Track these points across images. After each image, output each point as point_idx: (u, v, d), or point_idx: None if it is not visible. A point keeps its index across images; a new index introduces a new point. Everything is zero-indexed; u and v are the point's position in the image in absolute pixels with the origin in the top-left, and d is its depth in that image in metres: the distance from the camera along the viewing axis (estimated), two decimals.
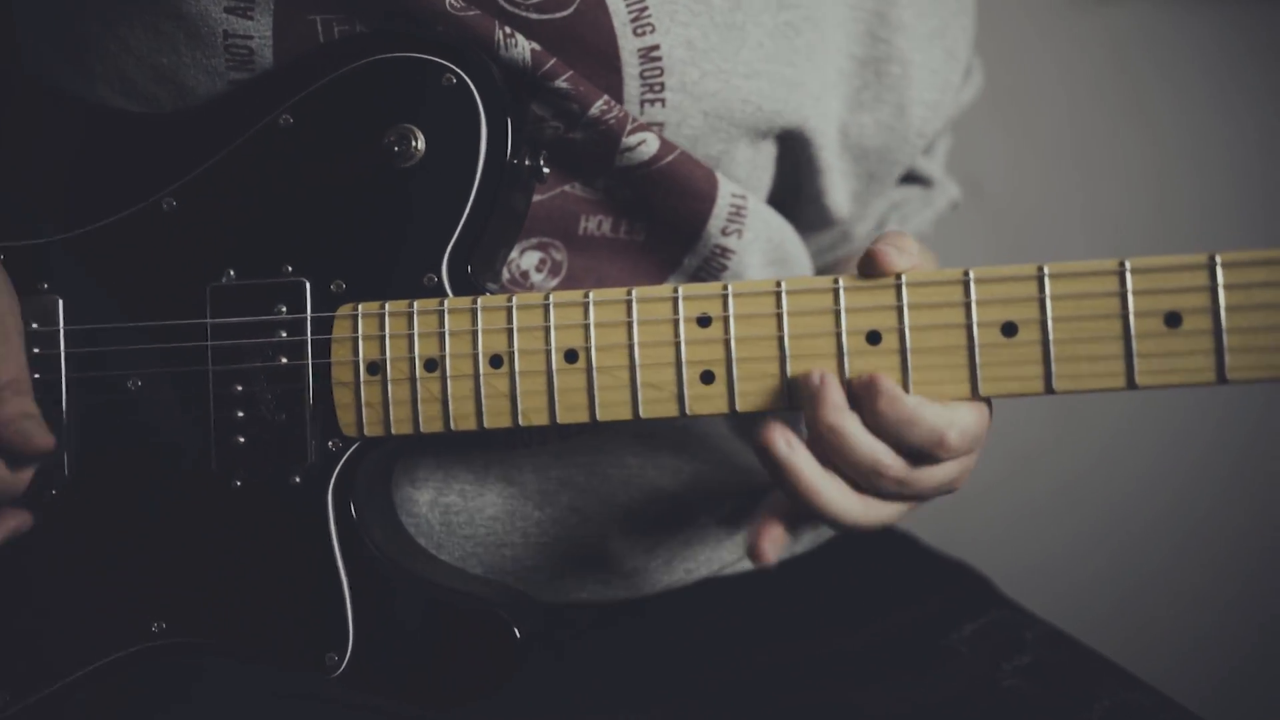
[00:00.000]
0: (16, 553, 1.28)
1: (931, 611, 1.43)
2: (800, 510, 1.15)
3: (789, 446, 1.11)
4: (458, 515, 1.36)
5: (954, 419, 1.12)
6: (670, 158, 1.30)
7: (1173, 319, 1.08)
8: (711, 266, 1.37)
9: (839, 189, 1.45)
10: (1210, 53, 2.38)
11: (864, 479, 1.12)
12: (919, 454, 1.12)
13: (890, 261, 1.13)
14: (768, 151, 1.40)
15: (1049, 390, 1.11)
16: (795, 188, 1.46)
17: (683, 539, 1.42)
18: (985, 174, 2.12)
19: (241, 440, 1.25)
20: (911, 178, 1.63)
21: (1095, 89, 2.42)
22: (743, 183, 1.39)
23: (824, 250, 1.58)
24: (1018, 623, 1.42)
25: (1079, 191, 2.43)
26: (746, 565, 1.48)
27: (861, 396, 1.12)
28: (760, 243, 1.39)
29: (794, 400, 1.14)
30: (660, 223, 1.34)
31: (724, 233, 1.35)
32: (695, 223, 1.34)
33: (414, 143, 1.22)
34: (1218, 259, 1.07)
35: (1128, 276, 1.09)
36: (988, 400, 1.15)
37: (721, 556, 1.45)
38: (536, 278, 1.33)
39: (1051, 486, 2.53)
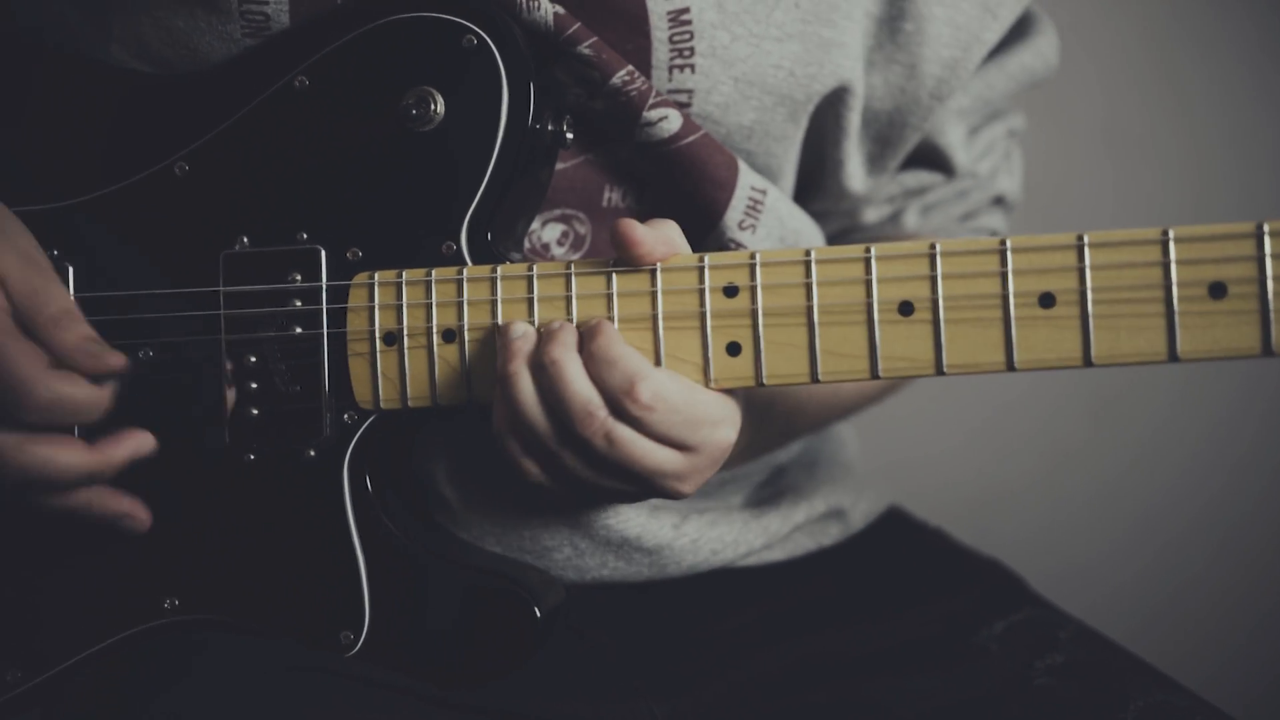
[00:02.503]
0: (26, 529, 1.26)
1: (962, 608, 1.40)
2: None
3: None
4: (476, 492, 1.32)
5: (654, 375, 1.10)
6: (692, 138, 1.26)
7: (1217, 289, 1.04)
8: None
9: (856, 155, 1.41)
10: (1248, 32, 2.34)
11: (577, 422, 1.10)
12: (614, 400, 1.10)
13: (637, 237, 1.11)
14: (804, 124, 1.36)
15: (1087, 363, 1.07)
16: (819, 157, 1.41)
17: (709, 519, 1.39)
18: (1029, 163, 2.09)
19: (255, 412, 1.22)
20: (930, 157, 1.52)
21: (1132, 71, 2.38)
22: (778, 157, 1.35)
23: (835, 237, 1.52)
24: (1050, 621, 1.39)
25: (1115, 177, 2.39)
26: (774, 555, 1.45)
27: (585, 338, 1.12)
28: (772, 240, 1.35)
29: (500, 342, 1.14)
30: (679, 205, 1.30)
31: (740, 226, 1.32)
32: (713, 211, 1.30)
33: (433, 106, 1.19)
34: (1265, 227, 1.03)
35: (1171, 246, 1.05)
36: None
37: (749, 540, 1.41)
38: (558, 251, 1.30)
39: (1088, 485, 2.49)
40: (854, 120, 1.37)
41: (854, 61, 1.33)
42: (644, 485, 1.14)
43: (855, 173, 1.42)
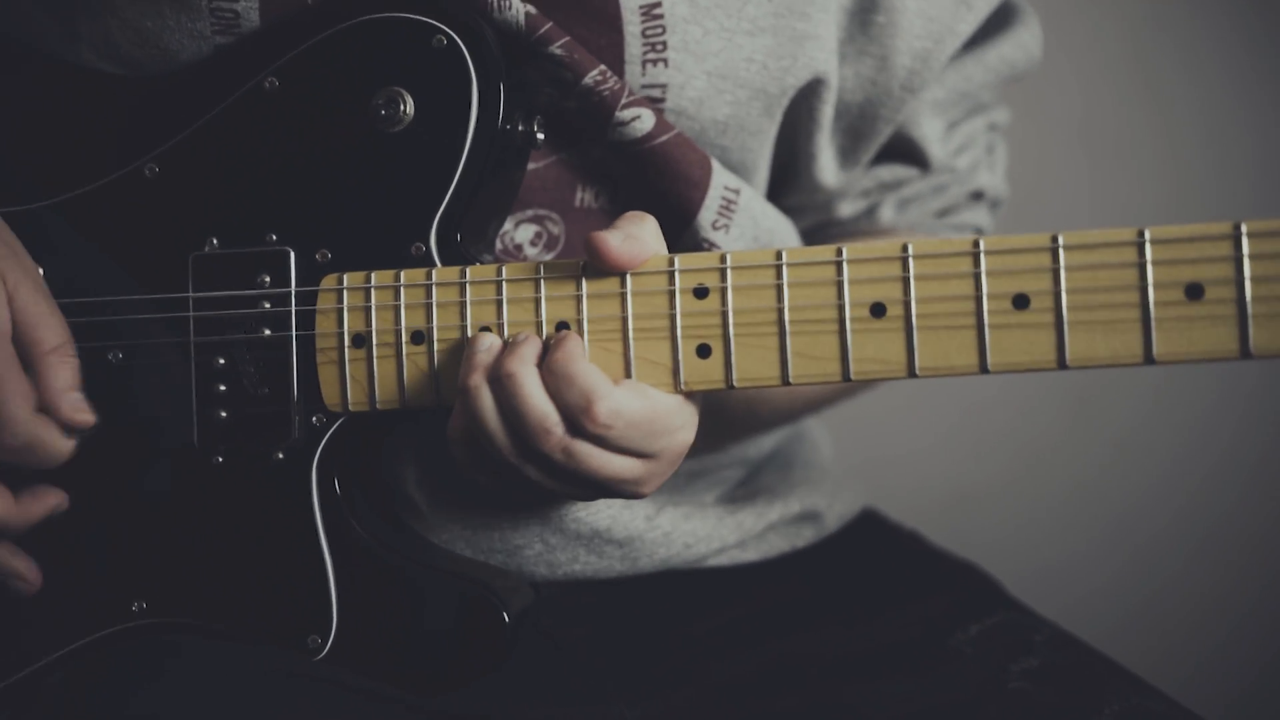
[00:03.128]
0: None
1: (937, 611, 1.39)
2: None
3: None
4: (444, 493, 1.31)
5: (612, 394, 1.09)
6: (665, 138, 1.25)
7: (1194, 290, 1.02)
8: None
9: (829, 148, 1.39)
10: (1225, 33, 2.33)
11: (532, 436, 1.09)
12: (571, 417, 1.09)
13: (610, 248, 1.10)
14: (779, 118, 1.34)
15: (1061, 365, 1.06)
16: (792, 150, 1.40)
17: (683, 512, 1.38)
18: (1009, 162, 2.08)
19: (224, 415, 1.21)
20: (905, 150, 1.49)
21: (1108, 72, 2.37)
22: (754, 152, 1.34)
23: (810, 232, 1.50)
24: (1026, 625, 1.38)
25: (1092, 179, 2.38)
26: (748, 555, 1.44)
27: (547, 351, 1.11)
28: (746, 240, 1.33)
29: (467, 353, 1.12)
30: (653, 205, 1.28)
31: (714, 226, 1.30)
32: (686, 211, 1.29)
33: (403, 106, 1.17)
34: (1243, 228, 1.02)
35: (1147, 247, 1.03)
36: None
37: (722, 535, 1.40)
38: (531, 252, 1.29)
39: (1064, 486, 2.48)
40: (827, 113, 1.36)
41: (828, 54, 1.31)
42: (603, 491, 1.13)
43: (828, 165, 1.41)
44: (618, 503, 1.34)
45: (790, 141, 1.39)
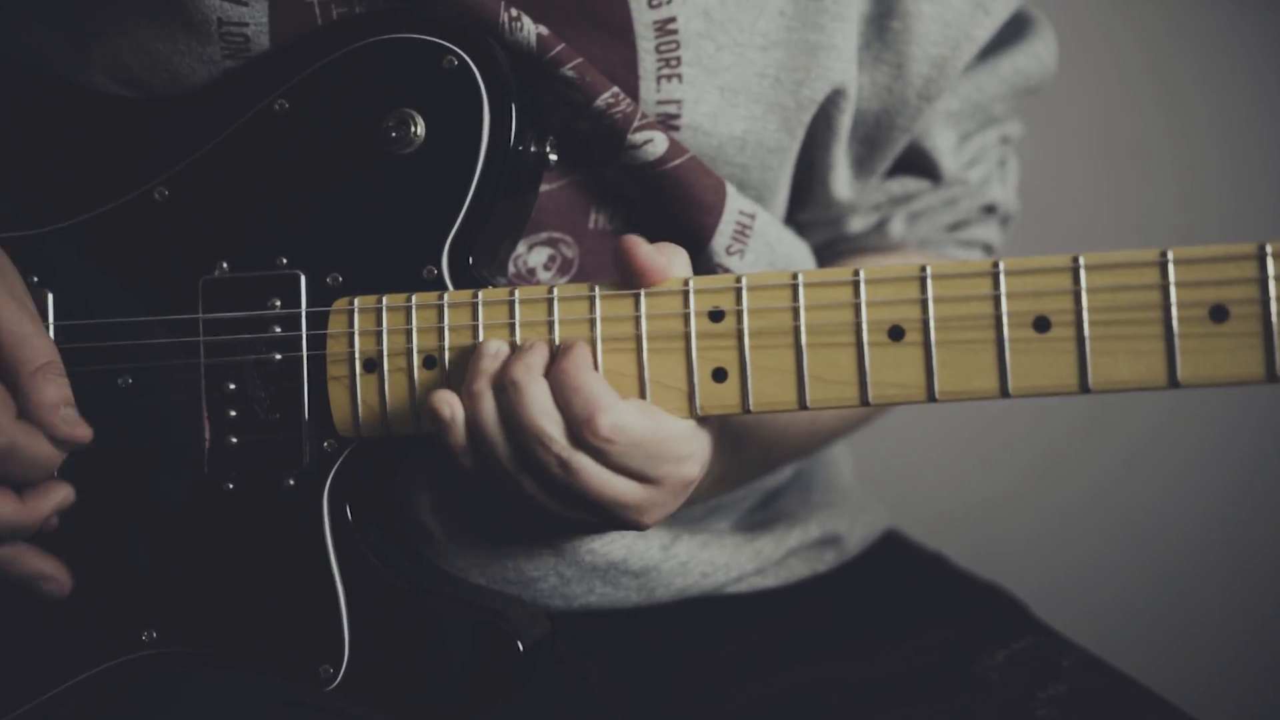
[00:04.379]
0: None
1: (962, 636, 1.36)
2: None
3: (451, 409, 1.10)
4: (459, 520, 1.29)
5: (616, 407, 1.07)
6: (678, 161, 1.24)
7: (1218, 313, 1.00)
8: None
9: (844, 160, 1.37)
10: (1248, 43, 2.30)
11: (531, 445, 1.08)
12: (573, 428, 1.07)
13: (640, 252, 1.09)
14: (800, 136, 1.33)
15: (1084, 389, 1.03)
16: (809, 164, 1.38)
17: (700, 541, 1.36)
18: (1026, 171, 2.04)
19: (234, 440, 1.19)
20: (918, 162, 1.46)
21: (1128, 85, 2.34)
22: (774, 170, 1.32)
23: (820, 249, 1.48)
24: (1054, 649, 1.35)
25: (1114, 190, 2.35)
26: (766, 581, 1.42)
27: (554, 359, 1.09)
28: (761, 266, 1.32)
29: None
30: (666, 229, 1.27)
31: (728, 251, 1.29)
32: (700, 236, 1.27)
33: (413, 128, 1.16)
34: (1268, 248, 0.99)
35: (1170, 268, 1.01)
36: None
37: (740, 563, 1.38)
38: (544, 275, 1.27)
39: (1094, 507, 2.43)
40: (845, 123, 1.34)
41: (846, 64, 1.29)
42: (603, 515, 1.11)
43: (843, 177, 1.39)
44: (632, 533, 1.32)
45: (808, 154, 1.37)
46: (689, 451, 1.11)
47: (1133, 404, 2.28)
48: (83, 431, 1.17)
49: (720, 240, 1.28)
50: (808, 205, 1.43)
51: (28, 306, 1.20)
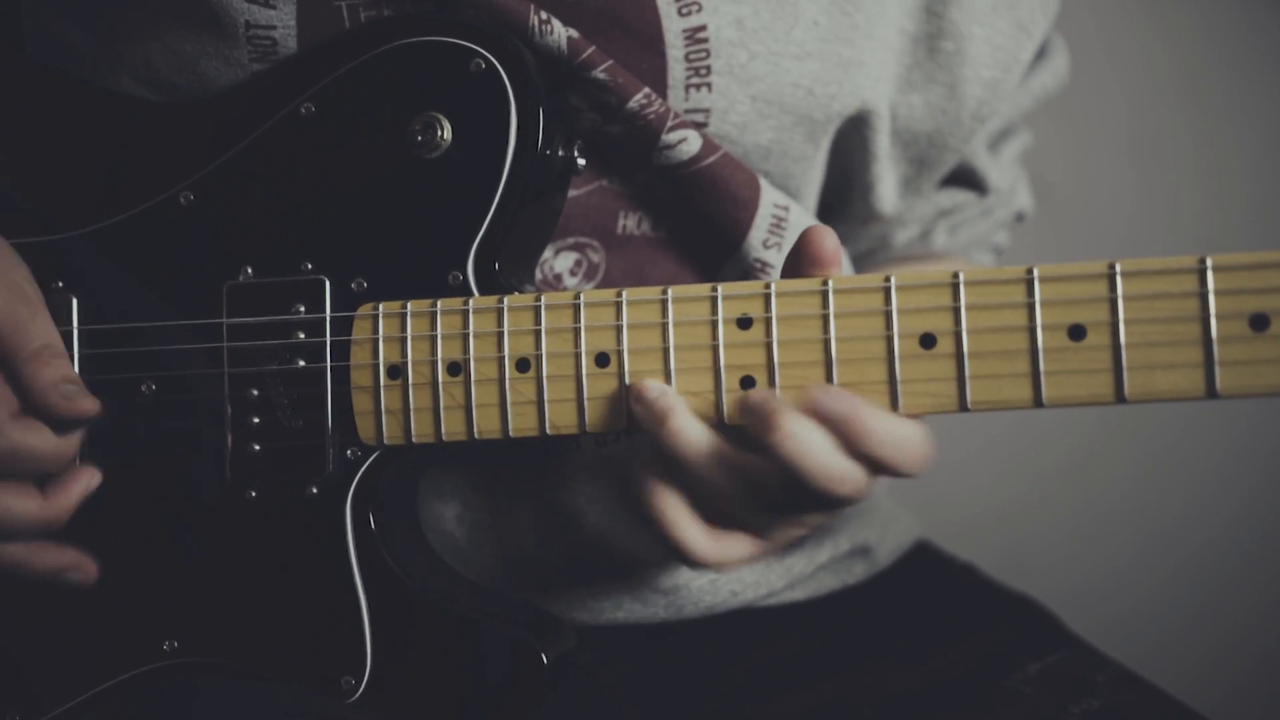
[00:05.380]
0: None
1: (993, 649, 1.34)
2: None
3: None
4: (485, 532, 1.28)
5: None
6: (712, 159, 1.22)
7: (1259, 321, 0.98)
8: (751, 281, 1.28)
9: (888, 177, 1.36)
10: (1275, 41, 2.26)
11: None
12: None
13: (826, 242, 1.06)
14: (825, 144, 1.32)
15: (1120, 399, 1.01)
16: (846, 180, 1.37)
17: None
18: (1055, 174, 2.01)
19: (257, 448, 1.18)
20: (964, 179, 1.50)
21: (1179, 83, 2.31)
22: (796, 179, 1.31)
23: (861, 257, 1.48)
24: (1087, 663, 1.33)
25: (1156, 194, 2.32)
26: (797, 595, 1.40)
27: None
28: None
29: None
30: (700, 228, 1.26)
31: (765, 245, 1.27)
32: (736, 232, 1.26)
33: (440, 132, 1.15)
34: None
35: (1209, 275, 0.99)
36: None
37: (770, 581, 1.36)
38: (570, 281, 1.26)
39: (1130, 515, 2.39)
40: (882, 143, 1.33)
41: (875, 82, 1.28)
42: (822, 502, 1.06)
43: (887, 195, 1.38)
44: (660, 550, 1.30)
45: (843, 171, 1.36)
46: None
47: (1163, 406, 2.25)
48: (88, 405, 1.15)
49: (757, 234, 1.26)
50: (847, 218, 1.42)
51: (24, 291, 1.18)
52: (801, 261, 1.07)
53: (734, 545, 1.07)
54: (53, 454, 1.16)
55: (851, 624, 1.38)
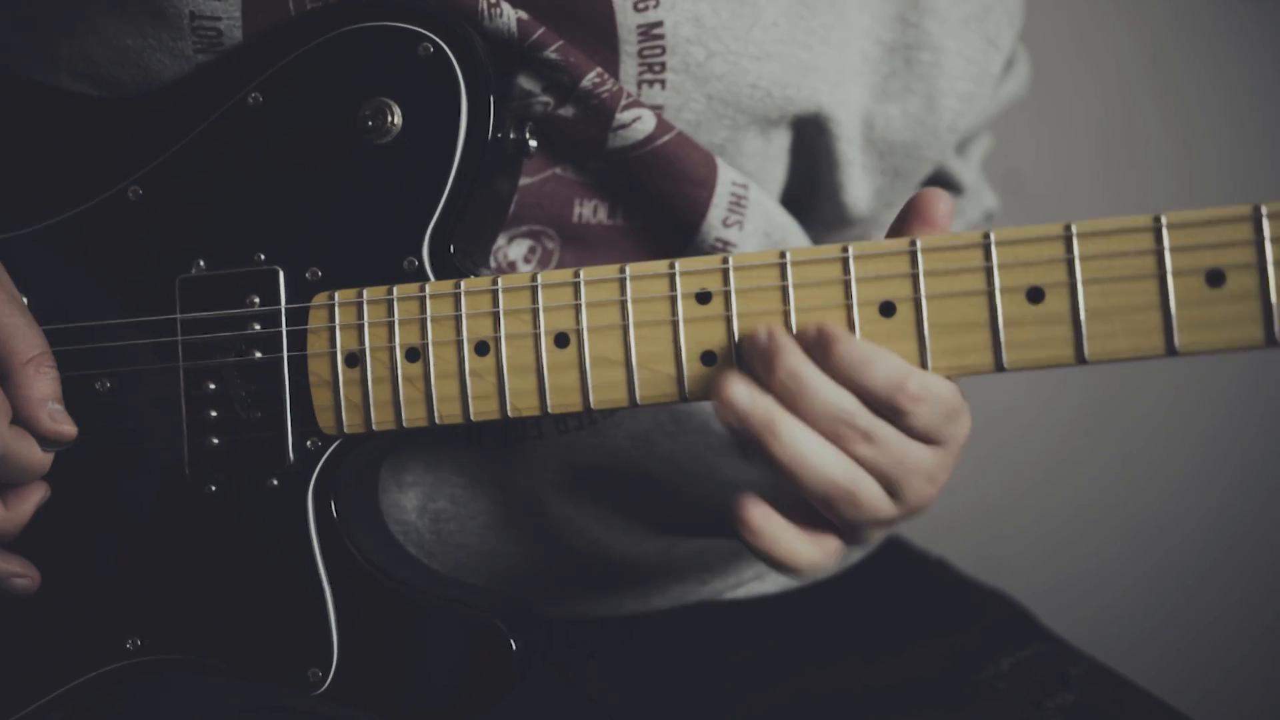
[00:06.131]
0: None
1: (967, 643, 1.34)
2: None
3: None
4: (449, 522, 1.27)
5: (915, 370, 1.01)
6: (666, 138, 1.22)
7: (1215, 277, 0.98)
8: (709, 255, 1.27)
9: (859, 185, 1.35)
10: (1255, 42, 2.28)
11: (830, 431, 1.01)
12: (879, 402, 1.01)
13: (942, 204, 1.04)
14: (780, 142, 1.31)
15: (1080, 360, 1.01)
16: (811, 181, 1.36)
17: (696, 547, 1.33)
18: (1026, 166, 2.02)
19: (216, 441, 1.17)
20: (941, 182, 1.50)
21: (1139, 78, 2.32)
22: (752, 175, 1.30)
23: None
24: (1061, 657, 1.32)
25: (1127, 186, 2.33)
26: (765, 586, 1.39)
27: (815, 347, 1.02)
28: (759, 236, 1.29)
29: (744, 361, 1.05)
30: (657, 211, 1.25)
31: (724, 224, 1.27)
32: (695, 212, 1.25)
33: (390, 117, 1.14)
34: (1263, 209, 0.97)
35: (1164, 233, 0.99)
36: None
37: (739, 570, 1.35)
38: (525, 268, 1.25)
39: (1100, 509, 2.39)
40: (846, 151, 1.31)
41: (832, 87, 1.27)
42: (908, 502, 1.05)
43: (859, 199, 1.36)
44: (630, 538, 1.30)
45: (809, 174, 1.35)
46: (963, 404, 1.05)
47: (1137, 401, 2.26)
48: (68, 429, 1.16)
49: (716, 213, 1.26)
50: (817, 220, 1.40)
51: (18, 299, 1.19)
52: (913, 222, 1.05)
53: (829, 543, 1.05)
54: (38, 467, 1.16)
55: (822, 619, 1.38)
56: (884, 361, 1.01)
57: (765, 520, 1.02)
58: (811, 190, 1.37)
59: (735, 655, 1.33)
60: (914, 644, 1.34)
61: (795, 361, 1.01)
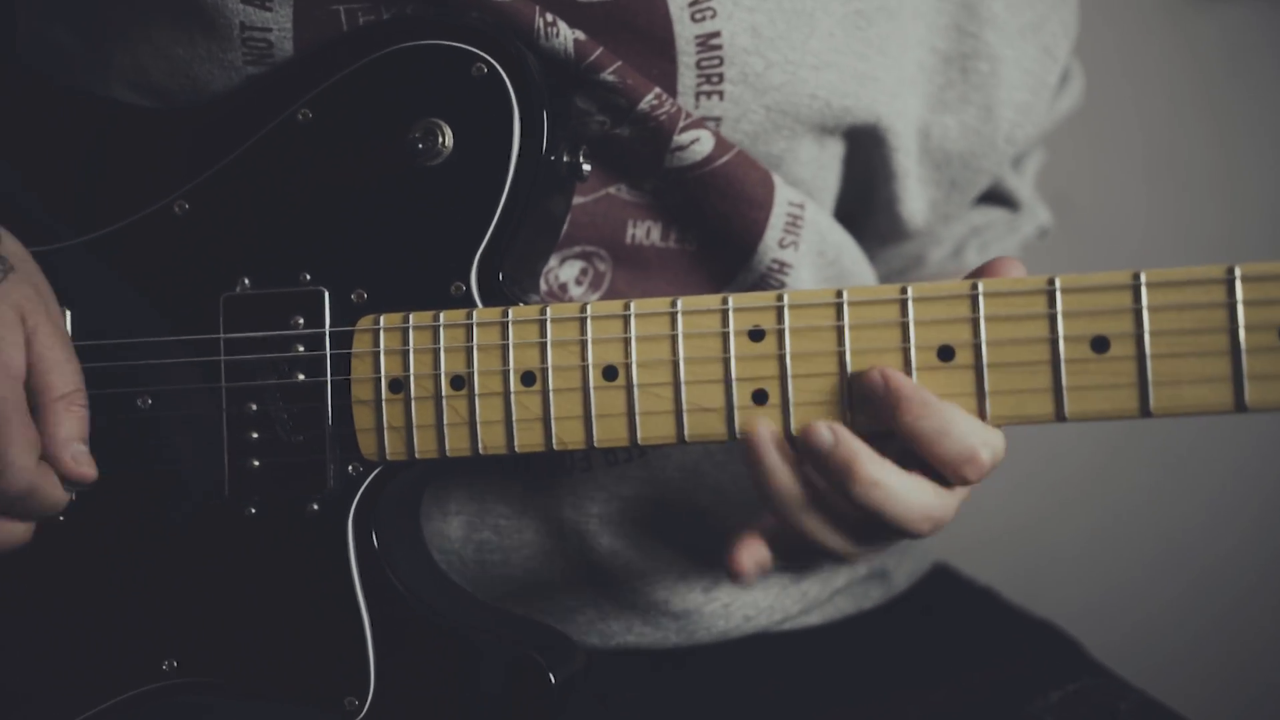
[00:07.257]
0: (18, 586, 1.20)
1: (1014, 676, 1.30)
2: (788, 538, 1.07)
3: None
4: (493, 553, 1.25)
5: (989, 442, 1.01)
6: (725, 158, 1.19)
7: None
8: (768, 284, 1.25)
9: (915, 197, 1.32)
10: None
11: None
12: (944, 468, 1.01)
13: (1008, 274, 1.03)
14: (834, 150, 1.28)
15: (1145, 413, 0.98)
16: (866, 192, 1.33)
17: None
18: (1076, 188, 1.98)
19: (256, 464, 1.15)
20: (996, 197, 1.49)
21: (1197, 97, 2.28)
22: (806, 184, 1.27)
23: (894, 274, 1.44)
24: (1110, 691, 1.29)
25: (1172, 207, 2.28)
26: (811, 620, 1.36)
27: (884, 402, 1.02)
28: (812, 255, 1.27)
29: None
30: (713, 232, 1.23)
31: (781, 245, 1.24)
32: (751, 234, 1.23)
33: (441, 139, 1.12)
34: None
35: (1237, 285, 0.96)
36: None
37: (785, 606, 1.32)
38: (576, 291, 1.23)
39: (1160, 544, 2.34)
40: (903, 163, 1.29)
41: (890, 98, 1.25)
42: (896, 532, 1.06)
43: (915, 212, 1.34)
44: (673, 573, 1.27)
45: (864, 186, 1.33)
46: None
47: (1197, 430, 2.20)
48: (89, 472, 1.15)
49: (773, 234, 1.23)
50: (871, 234, 1.38)
51: (62, 330, 1.17)
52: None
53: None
54: (58, 504, 1.16)
55: (868, 650, 1.35)
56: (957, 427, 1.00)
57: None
58: (867, 202, 1.35)
59: (778, 687, 1.31)
60: (960, 675, 1.31)
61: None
